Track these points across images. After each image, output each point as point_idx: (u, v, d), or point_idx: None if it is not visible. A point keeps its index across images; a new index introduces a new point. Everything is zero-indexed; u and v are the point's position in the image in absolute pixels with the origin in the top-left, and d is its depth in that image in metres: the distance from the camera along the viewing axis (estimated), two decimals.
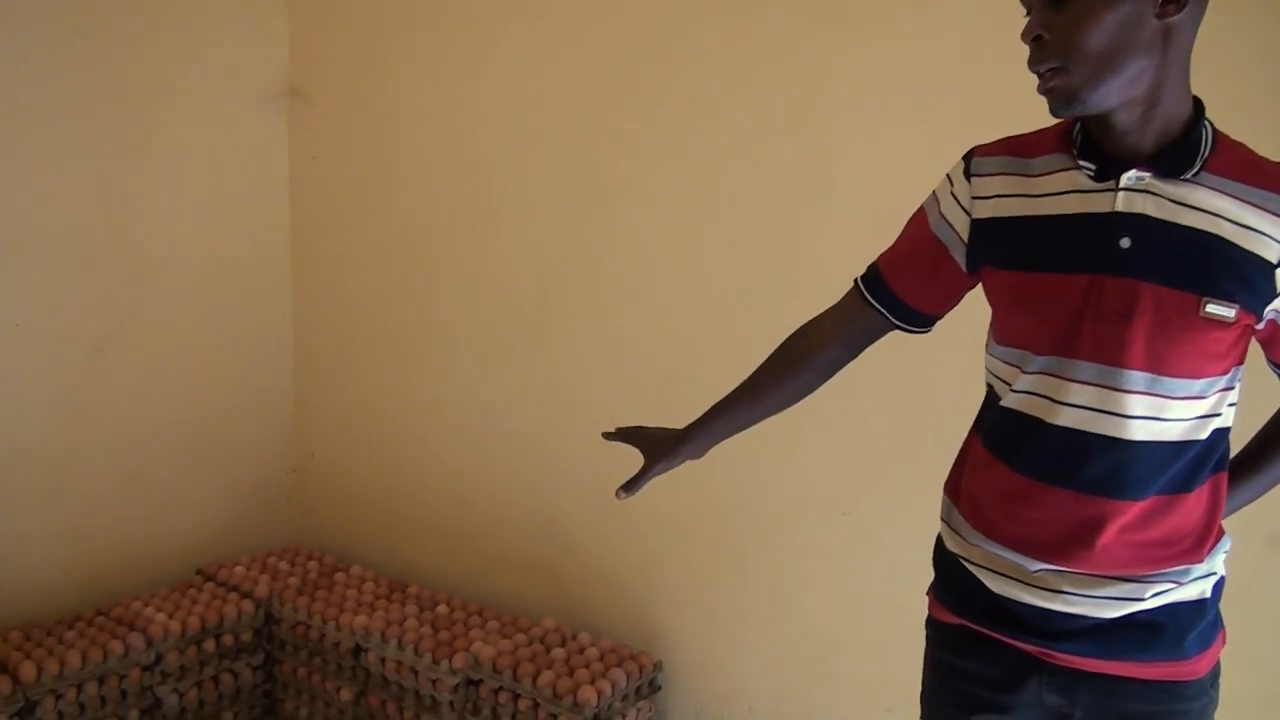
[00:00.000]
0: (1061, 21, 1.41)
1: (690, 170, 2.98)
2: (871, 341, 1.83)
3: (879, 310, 1.76)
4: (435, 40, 3.50)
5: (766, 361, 1.91)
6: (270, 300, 3.95)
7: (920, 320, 1.77)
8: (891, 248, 1.78)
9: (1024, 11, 1.48)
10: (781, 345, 1.89)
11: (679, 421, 3.00)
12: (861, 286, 1.79)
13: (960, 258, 1.65)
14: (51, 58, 3.27)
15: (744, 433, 2.92)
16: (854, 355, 1.85)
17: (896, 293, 1.74)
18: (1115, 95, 1.44)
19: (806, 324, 1.87)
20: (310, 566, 3.63)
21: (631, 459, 3.13)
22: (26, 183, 3.27)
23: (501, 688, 2.96)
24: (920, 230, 1.71)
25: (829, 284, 2.70)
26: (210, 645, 3.26)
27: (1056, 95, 1.44)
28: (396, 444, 3.76)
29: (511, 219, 3.38)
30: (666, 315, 3.08)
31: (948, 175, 1.67)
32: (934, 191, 1.70)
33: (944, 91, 2.56)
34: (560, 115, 3.23)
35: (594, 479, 3.25)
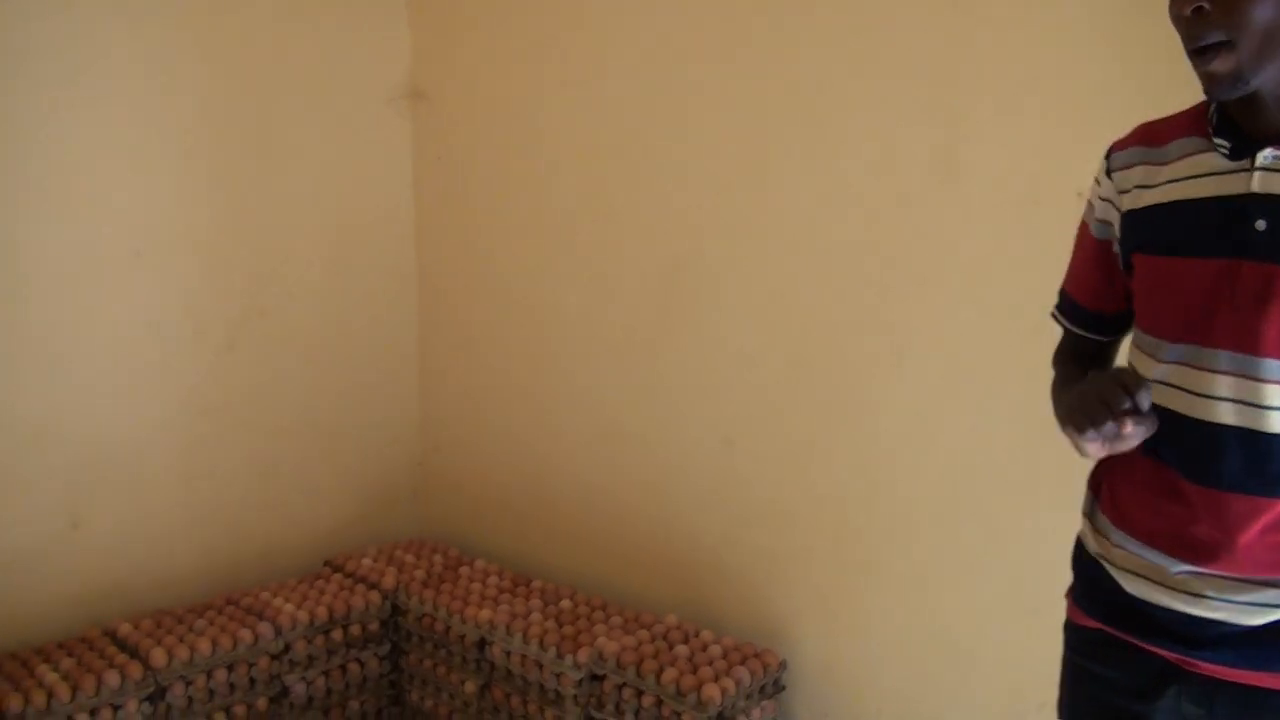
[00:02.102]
0: None
1: (817, 161, 2.94)
2: (1110, 355, 1.79)
3: (1080, 333, 1.74)
4: (555, 38, 3.51)
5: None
6: (395, 297, 4.00)
7: (1126, 324, 1.72)
8: (1069, 267, 1.76)
9: None
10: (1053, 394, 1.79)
11: (807, 418, 3.00)
12: (1061, 318, 1.78)
13: (1120, 255, 1.63)
14: (180, 63, 3.35)
15: (868, 426, 2.90)
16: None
17: (1089, 308, 1.72)
18: (1276, 73, 1.38)
19: (1055, 366, 1.80)
20: (435, 559, 3.66)
21: (752, 458, 3.12)
22: (156, 186, 3.35)
23: (625, 684, 2.95)
24: (1086, 241, 1.69)
25: (957, 272, 2.69)
26: (338, 635, 3.31)
27: (1219, 77, 1.37)
28: (521, 438, 3.78)
29: (635, 214, 3.37)
30: (793, 308, 3.04)
31: (1095, 178, 1.66)
32: (1088, 200, 1.69)
33: (1074, 79, 2.48)
34: (684, 108, 3.21)
35: (721, 475, 3.23)
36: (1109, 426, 1.41)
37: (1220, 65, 1.36)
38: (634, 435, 3.45)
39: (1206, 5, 1.35)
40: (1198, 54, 1.38)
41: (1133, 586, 1.59)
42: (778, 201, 3.03)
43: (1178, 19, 1.39)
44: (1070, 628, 1.75)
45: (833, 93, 2.88)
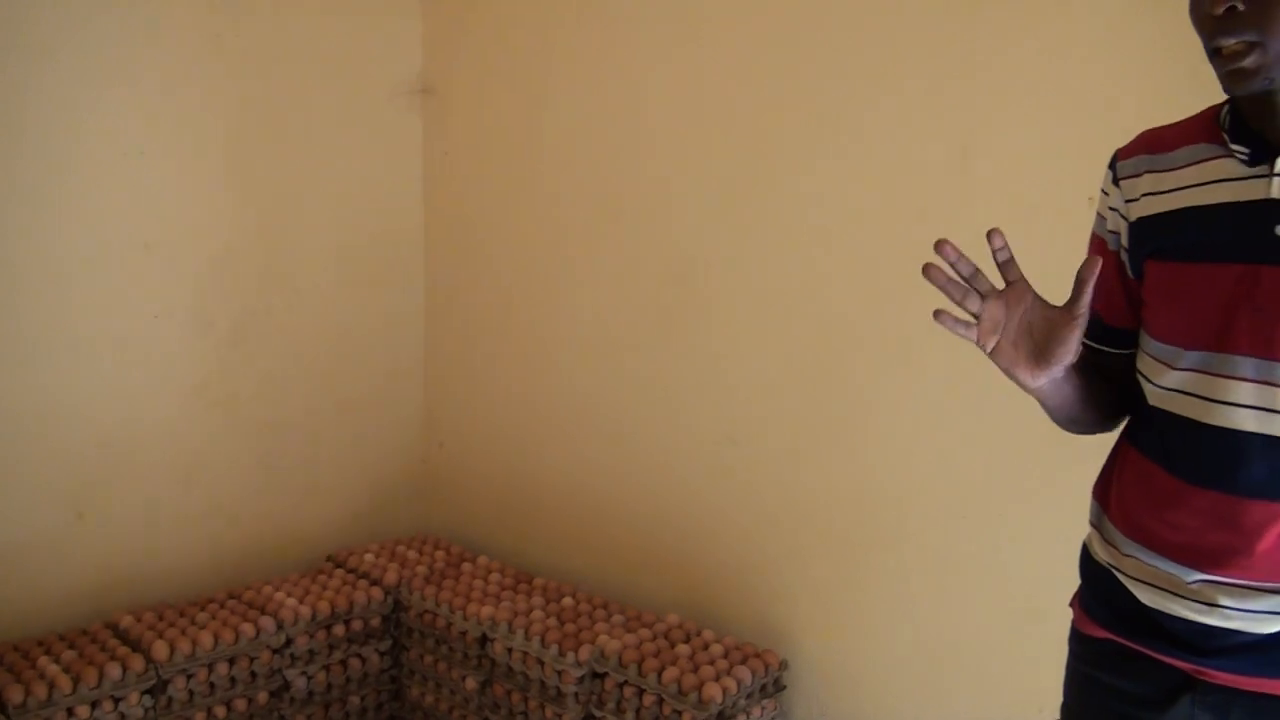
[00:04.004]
0: None
1: (825, 164, 2.94)
2: (1123, 372, 1.73)
3: (1091, 345, 1.70)
4: (566, 37, 3.51)
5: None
6: (402, 294, 4.01)
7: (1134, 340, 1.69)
8: None
9: None
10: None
11: (811, 419, 2.99)
12: None
13: (1128, 264, 1.61)
14: (191, 57, 3.36)
15: (870, 427, 2.89)
16: (1123, 384, 1.71)
17: (1106, 322, 1.68)
18: None
19: None
20: (438, 556, 3.67)
21: (755, 458, 3.12)
22: (165, 179, 3.36)
23: (626, 682, 2.94)
24: (1101, 252, 1.66)
25: None
26: (339, 630, 3.31)
27: (1246, 73, 1.35)
28: (524, 437, 3.78)
29: (643, 215, 3.37)
30: (797, 311, 3.04)
31: (1101, 189, 1.65)
32: (1097, 210, 1.67)
33: (1086, 86, 2.48)
34: (695, 110, 3.21)
35: (722, 475, 3.23)
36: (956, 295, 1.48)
37: (1250, 62, 1.34)
38: (637, 435, 3.45)
39: (1240, 6, 1.33)
40: (1224, 53, 1.36)
41: (1146, 596, 1.57)
42: (783, 204, 3.03)
43: (1205, 18, 1.37)
44: (1078, 637, 1.73)
45: (844, 96, 2.88)
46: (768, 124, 3.05)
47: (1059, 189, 2.43)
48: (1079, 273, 1.42)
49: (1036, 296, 1.50)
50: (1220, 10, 1.33)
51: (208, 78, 3.40)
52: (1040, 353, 1.48)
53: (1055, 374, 1.50)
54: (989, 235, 1.50)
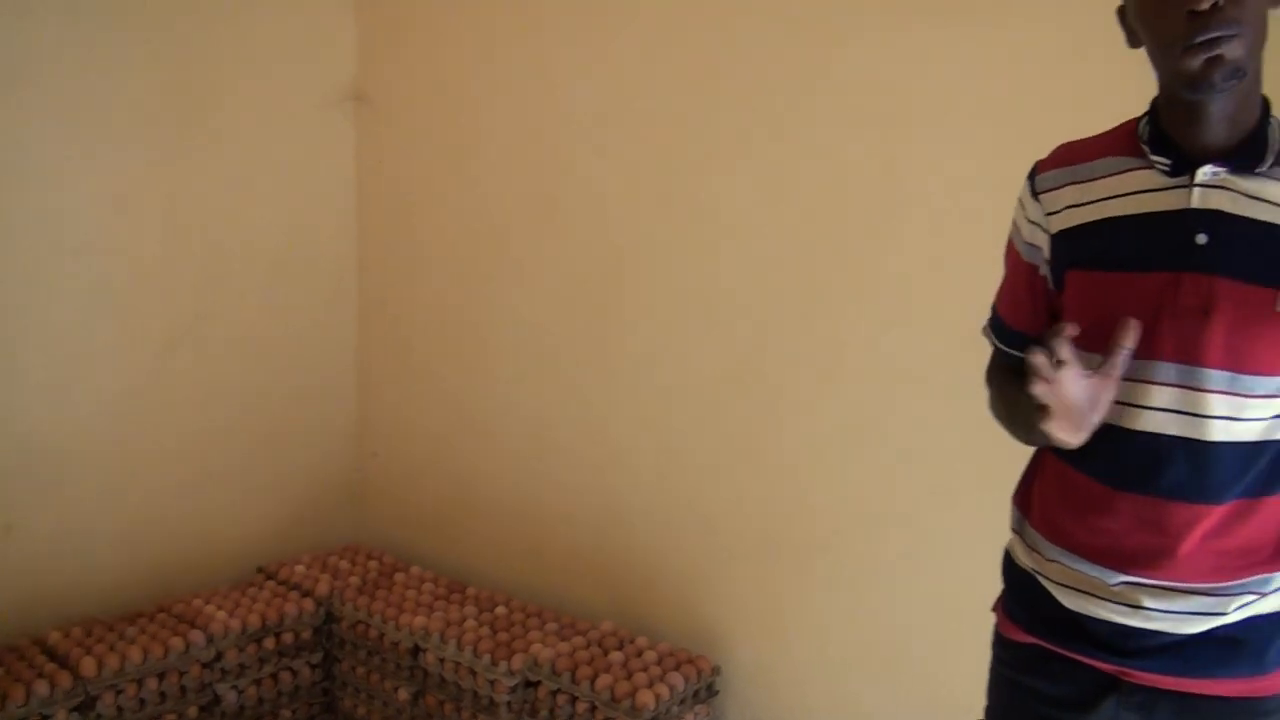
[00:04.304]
0: None
1: (756, 169, 2.96)
2: None
3: (1013, 354, 1.73)
4: (500, 44, 3.50)
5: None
6: (335, 302, 3.98)
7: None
8: (1000, 288, 1.77)
9: None
10: (992, 408, 1.79)
11: (743, 425, 3.02)
12: (991, 335, 1.78)
13: (1049, 276, 1.64)
14: (120, 62, 3.31)
15: (804, 433, 2.92)
16: None
17: (1016, 327, 1.72)
18: (1252, 75, 1.45)
19: (990, 384, 1.80)
20: (370, 566, 3.64)
21: (689, 465, 3.14)
22: (95, 186, 3.31)
23: (559, 690, 2.94)
24: (1015, 263, 1.70)
25: (891, 285, 2.72)
26: (270, 643, 3.28)
27: (1225, 64, 1.39)
28: (457, 445, 3.77)
29: (576, 220, 3.38)
30: (731, 315, 3.06)
31: (1019, 200, 1.67)
32: (1013, 220, 1.70)
33: (1012, 99, 2.53)
34: (625, 115, 3.22)
35: (655, 482, 3.25)
36: (1039, 391, 1.40)
37: (1231, 51, 1.38)
38: (571, 442, 3.45)
39: (1223, 1, 1.37)
40: (1201, 45, 1.39)
41: (1069, 600, 1.60)
42: (717, 213, 3.05)
43: (1179, 16, 1.40)
44: (1001, 642, 1.75)
45: (776, 104, 2.91)
46: (699, 132, 3.06)
47: (982, 199, 2.46)
48: (1118, 338, 1.43)
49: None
50: (1205, 5, 1.37)
51: (137, 83, 3.35)
52: (1084, 415, 1.46)
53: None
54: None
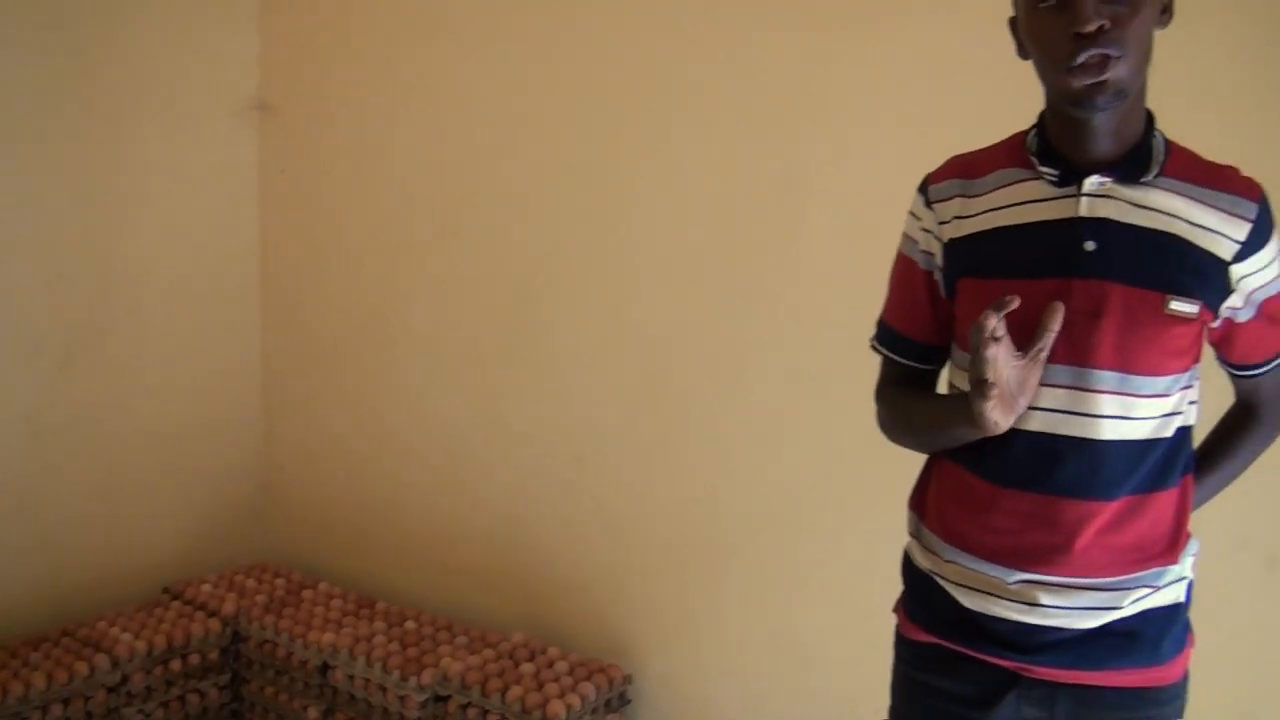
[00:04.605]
0: (1120, 12, 1.42)
1: (664, 181, 2.99)
2: (935, 386, 1.79)
3: (907, 364, 1.76)
4: (405, 53, 3.49)
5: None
6: (240, 314, 3.92)
7: (947, 354, 1.75)
8: (888, 298, 1.79)
9: (1046, 1, 1.46)
10: (884, 424, 1.80)
11: (654, 433, 3.02)
12: (881, 348, 1.79)
13: (942, 284, 1.66)
14: (18, 70, 3.25)
15: (713, 441, 2.94)
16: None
17: (911, 337, 1.74)
18: (1136, 92, 1.49)
19: (882, 400, 1.80)
20: (278, 583, 3.60)
21: (600, 474, 3.14)
22: None
23: (470, 703, 2.93)
24: (907, 271, 1.72)
25: (802, 290, 2.74)
26: (176, 665, 3.23)
27: (1110, 86, 1.43)
28: (365, 459, 3.73)
29: (483, 232, 3.37)
30: (639, 326, 3.07)
31: (911, 211, 1.70)
32: (904, 232, 1.72)
33: (916, 102, 2.57)
34: (533, 126, 3.22)
35: (563, 493, 3.24)
36: (991, 352, 1.41)
37: (1114, 73, 1.42)
38: (482, 453, 3.43)
39: (1108, 25, 1.41)
40: (1084, 67, 1.42)
41: (968, 600, 1.62)
42: (627, 220, 3.07)
43: (1064, 38, 1.43)
44: (903, 642, 1.77)
45: (682, 113, 2.93)
46: (606, 139, 3.08)
47: (884, 206, 2.49)
48: (1045, 321, 1.46)
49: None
50: (1091, 29, 1.40)
51: (36, 92, 3.28)
52: (1014, 398, 1.48)
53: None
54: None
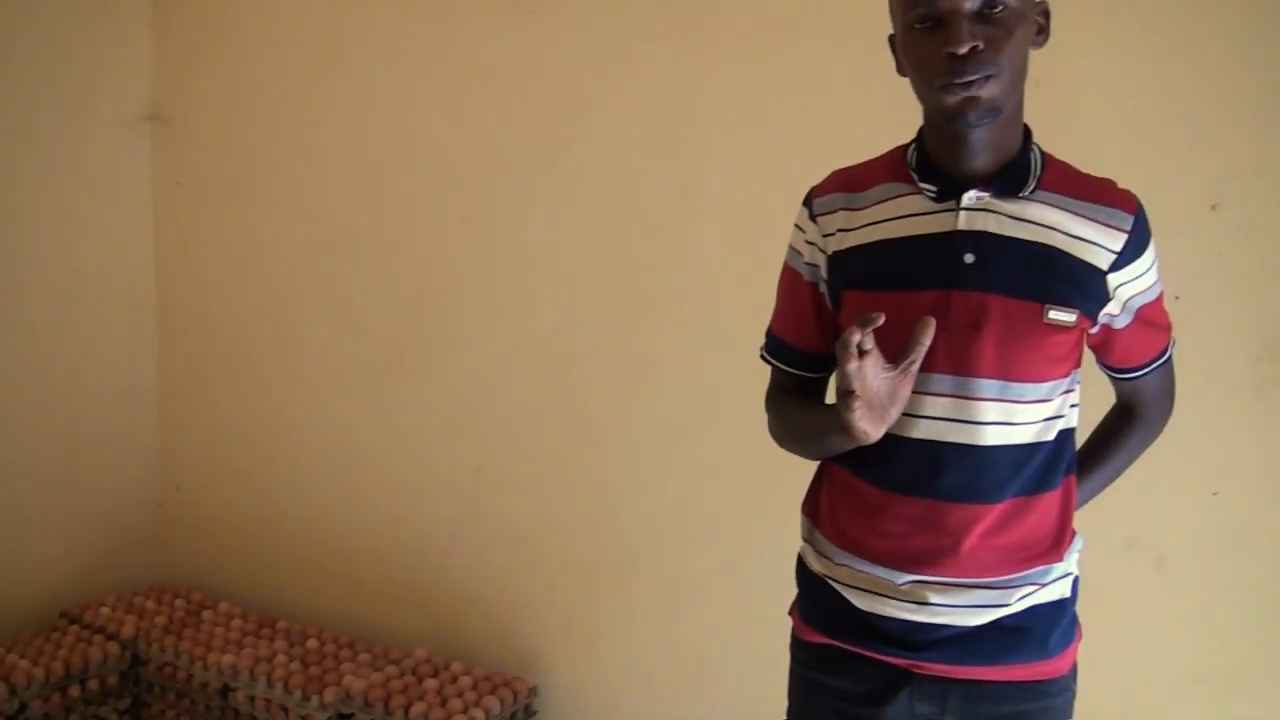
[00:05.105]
0: (994, 33, 1.45)
1: (562, 194, 2.99)
2: (822, 396, 1.82)
3: (795, 373, 1.79)
4: (302, 64, 3.45)
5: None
6: (134, 329, 3.85)
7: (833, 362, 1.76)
8: (775, 309, 1.81)
9: (923, 22, 1.48)
10: (774, 432, 1.82)
11: (554, 444, 3.03)
12: (770, 358, 1.82)
13: (827, 295, 1.69)
14: None
15: (614, 450, 2.95)
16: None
17: (799, 347, 1.77)
18: (1011, 109, 1.52)
19: (771, 408, 1.83)
20: (178, 605, 3.55)
21: (502, 486, 3.13)
22: None
23: None
24: (793, 283, 1.75)
25: (697, 302, 2.77)
26: (75, 691, 3.17)
27: (983, 104, 1.47)
28: (264, 475, 3.69)
29: (381, 245, 3.34)
30: (538, 338, 3.08)
31: (796, 224, 1.73)
32: (790, 244, 1.75)
33: (803, 117, 2.61)
34: (430, 139, 3.21)
35: (463, 506, 3.24)
36: (853, 366, 1.41)
37: (988, 91, 1.46)
38: (382, 467, 3.41)
39: (981, 45, 1.44)
40: (961, 85, 1.46)
41: (860, 601, 1.65)
42: (525, 232, 3.07)
43: (939, 57, 1.46)
44: (798, 644, 1.79)
45: (580, 128, 2.94)
46: (502, 154, 3.08)
47: (779, 218, 2.52)
48: (916, 335, 1.45)
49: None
50: (964, 50, 1.43)
51: None
52: (884, 409, 1.48)
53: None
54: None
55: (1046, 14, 1.56)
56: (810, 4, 2.60)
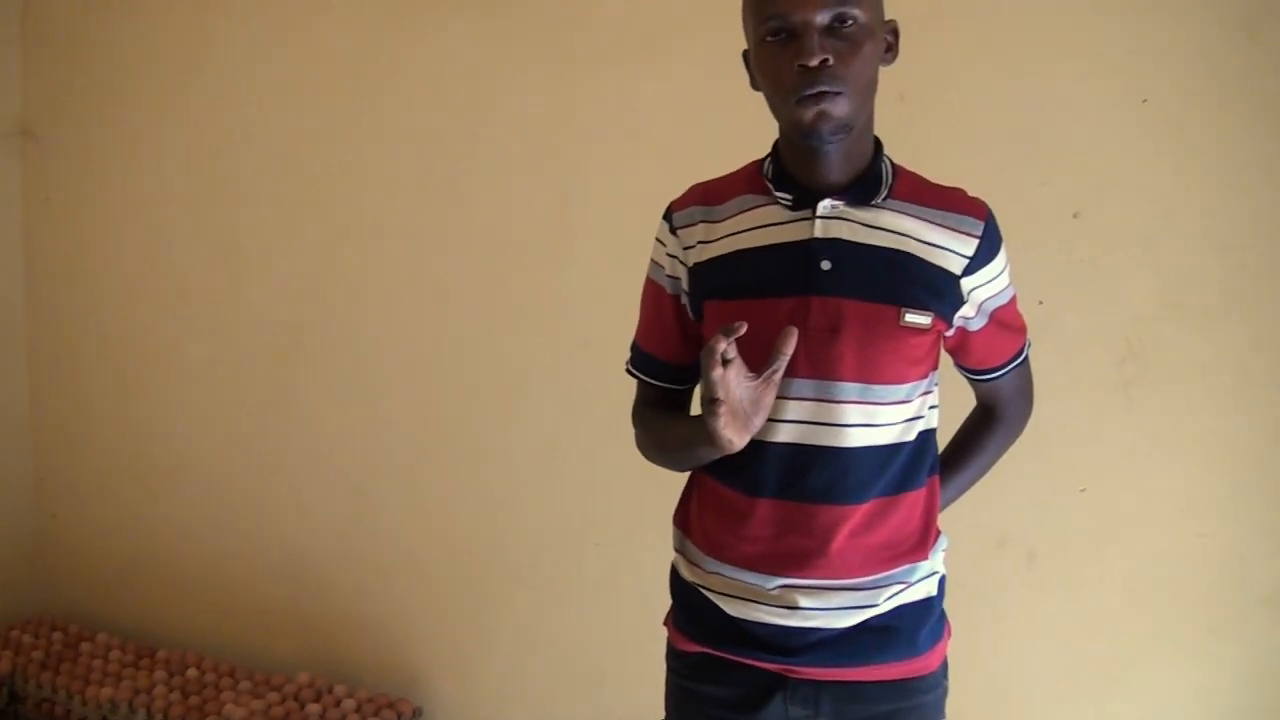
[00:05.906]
0: (843, 48, 1.48)
1: (438, 210, 2.98)
2: (687, 406, 1.83)
3: (660, 385, 1.80)
4: (172, 78, 3.39)
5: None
6: (3, 352, 3.75)
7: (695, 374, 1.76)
8: (640, 322, 1.82)
9: (775, 35, 1.50)
10: (641, 445, 1.83)
11: (434, 461, 3.00)
12: (635, 371, 1.83)
13: (689, 306, 1.71)
14: None
15: (495, 466, 2.93)
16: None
17: (663, 359, 1.78)
18: (863, 123, 1.56)
19: (638, 422, 1.84)
20: (55, 638, 3.46)
21: (381, 505, 3.10)
22: None
23: None
24: (657, 296, 1.76)
25: (572, 317, 2.76)
26: None
27: (832, 118, 1.50)
28: (141, 501, 3.61)
29: (254, 263, 3.29)
30: (413, 355, 3.06)
31: (657, 238, 1.75)
32: (651, 258, 1.77)
33: (667, 133, 2.63)
34: (302, 156, 3.17)
35: (343, 526, 3.21)
36: (717, 374, 1.41)
37: (838, 109, 1.49)
38: (261, 490, 3.36)
39: (831, 60, 1.46)
40: (810, 98, 1.48)
41: (732, 608, 1.66)
42: (400, 251, 3.05)
43: (791, 71, 1.49)
44: (673, 653, 1.80)
45: (455, 143, 2.93)
46: (376, 175, 3.06)
47: (645, 234, 2.52)
48: (778, 345, 1.45)
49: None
50: (814, 63, 1.46)
51: None
52: (748, 417, 1.48)
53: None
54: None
55: (895, 32, 1.59)
56: (677, 24, 2.62)
